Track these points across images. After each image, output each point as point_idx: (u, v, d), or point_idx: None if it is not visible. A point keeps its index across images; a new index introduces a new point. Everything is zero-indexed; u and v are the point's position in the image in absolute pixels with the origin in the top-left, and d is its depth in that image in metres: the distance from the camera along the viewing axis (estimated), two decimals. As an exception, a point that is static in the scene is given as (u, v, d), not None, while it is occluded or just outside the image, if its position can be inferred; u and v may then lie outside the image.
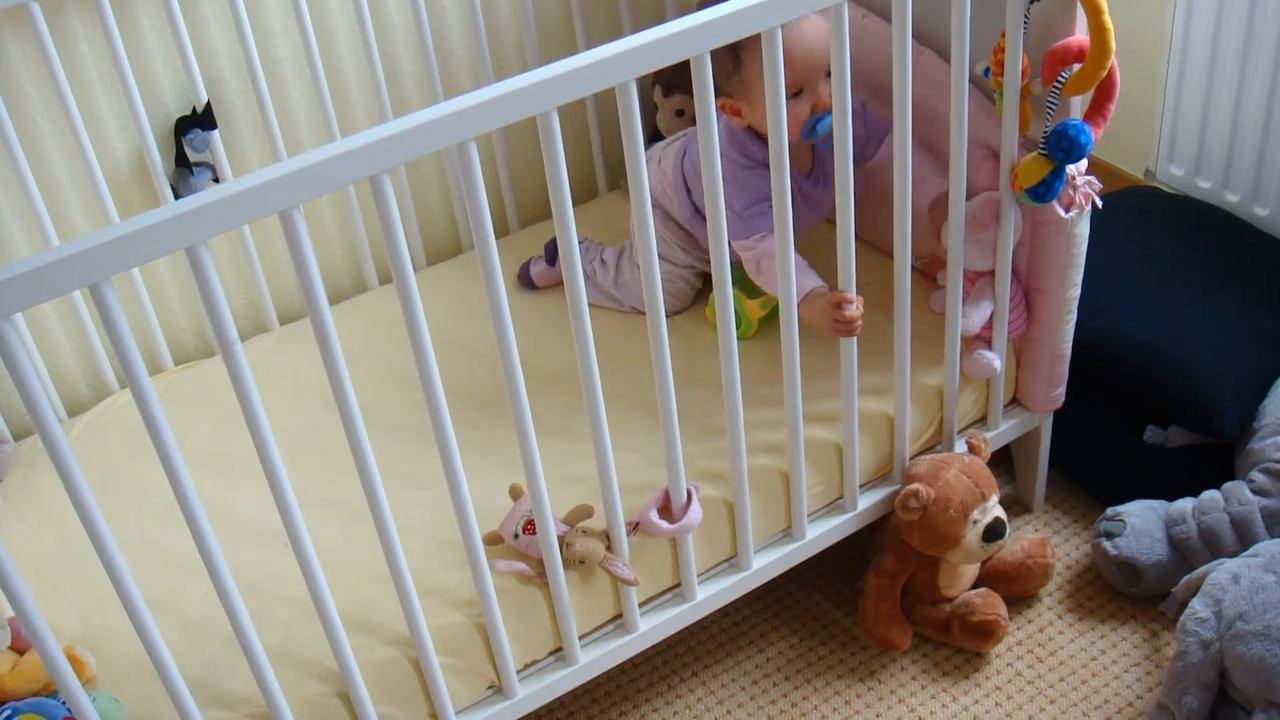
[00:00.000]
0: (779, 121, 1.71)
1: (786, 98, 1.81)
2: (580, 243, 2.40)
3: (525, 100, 1.51)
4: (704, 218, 1.94)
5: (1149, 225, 2.53)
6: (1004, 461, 2.44)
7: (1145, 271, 2.42)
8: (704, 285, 2.38)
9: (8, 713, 1.68)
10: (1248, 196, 2.59)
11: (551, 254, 2.47)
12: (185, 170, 2.25)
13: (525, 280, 2.49)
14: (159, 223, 1.37)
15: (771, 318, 2.15)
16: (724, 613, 2.30)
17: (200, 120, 2.22)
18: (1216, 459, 2.27)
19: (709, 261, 1.83)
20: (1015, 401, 2.30)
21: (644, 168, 1.65)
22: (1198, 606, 2.00)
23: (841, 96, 1.76)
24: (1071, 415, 2.35)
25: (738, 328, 2.15)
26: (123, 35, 2.16)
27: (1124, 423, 2.33)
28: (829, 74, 1.97)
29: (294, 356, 2.38)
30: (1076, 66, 1.89)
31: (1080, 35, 1.89)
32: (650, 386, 1.90)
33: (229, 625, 1.67)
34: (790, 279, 1.85)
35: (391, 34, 2.44)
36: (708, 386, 2.15)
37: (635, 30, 2.37)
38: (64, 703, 1.73)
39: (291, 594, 1.89)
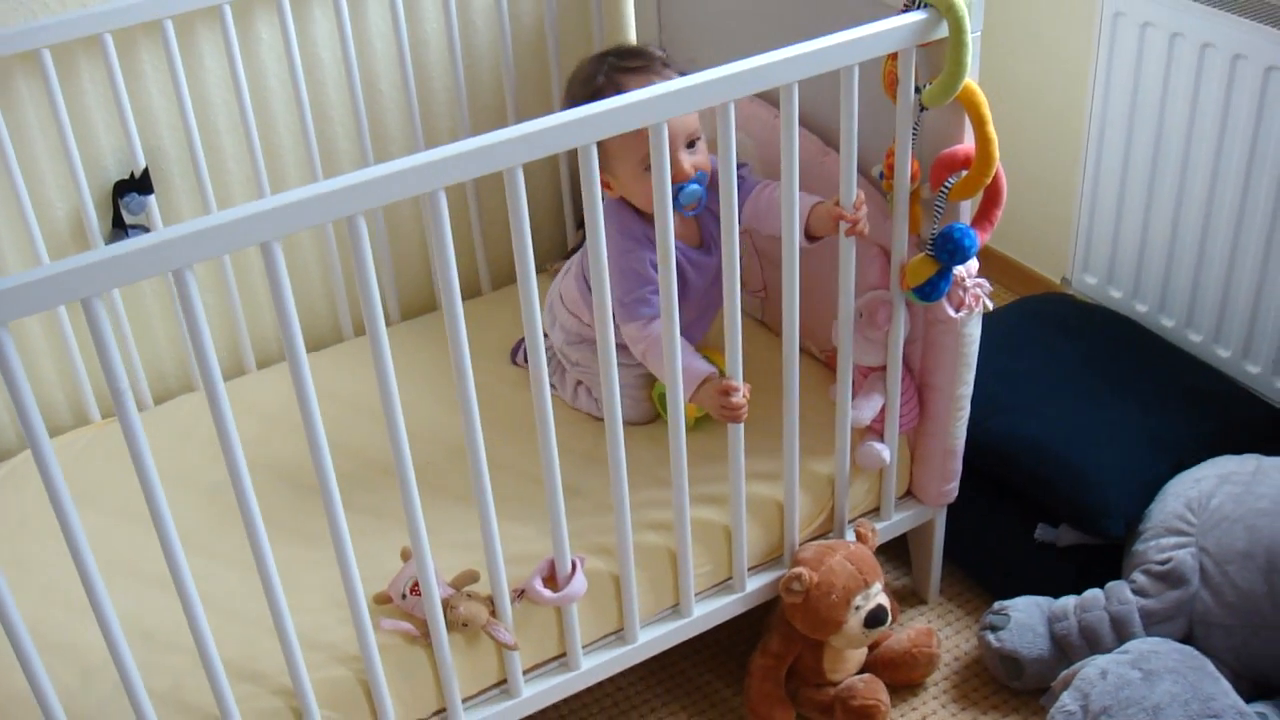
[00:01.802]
0: (664, 216, 1.81)
1: (644, 169, 1.91)
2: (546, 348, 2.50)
3: (413, 179, 1.61)
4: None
5: (1057, 330, 2.63)
6: (901, 552, 2.51)
7: (1047, 374, 2.51)
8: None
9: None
10: (1155, 307, 2.69)
11: (514, 352, 2.56)
12: (121, 232, 2.34)
13: (514, 356, 2.57)
14: (149, 246, 1.48)
15: (707, 416, 2.23)
16: (615, 685, 2.35)
17: (138, 185, 2.32)
18: (1106, 559, 2.34)
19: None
20: (910, 494, 2.37)
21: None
22: (1066, 700, 2.07)
23: (730, 201, 1.86)
24: (967, 510, 2.42)
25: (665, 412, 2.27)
26: (66, 100, 2.26)
27: (1017, 520, 2.41)
28: (690, 143, 2.09)
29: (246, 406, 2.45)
30: (964, 173, 2.00)
31: (968, 144, 1.99)
32: (563, 466, 2.00)
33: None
34: (677, 363, 1.93)
35: (327, 110, 2.55)
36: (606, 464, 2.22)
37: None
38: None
39: (186, 642, 1.95)
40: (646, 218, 2.12)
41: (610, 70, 2.15)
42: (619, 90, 2.04)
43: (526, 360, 2.49)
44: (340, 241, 2.62)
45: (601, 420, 2.36)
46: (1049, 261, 3.01)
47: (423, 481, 1.87)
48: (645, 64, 2.16)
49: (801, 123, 2.23)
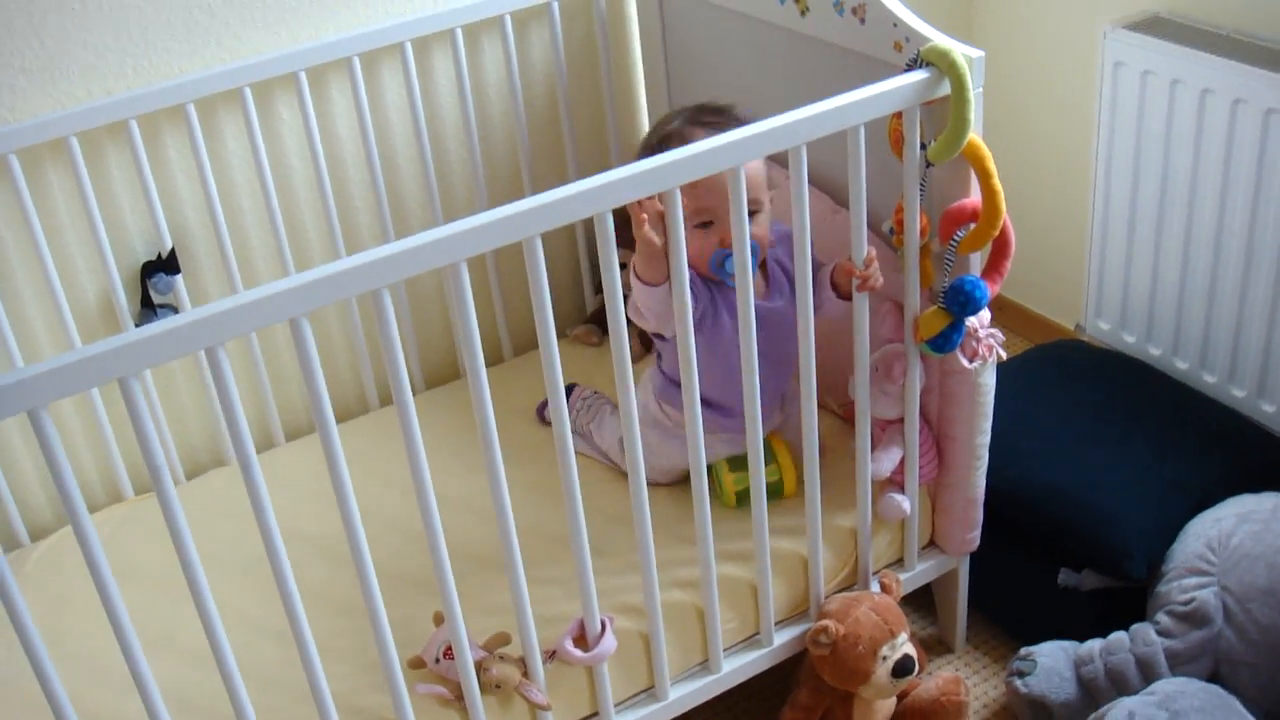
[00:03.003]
0: (681, 281, 1.85)
1: (695, 226, 1.97)
2: (586, 396, 2.54)
3: (435, 252, 1.67)
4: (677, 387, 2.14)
5: (1071, 377, 2.66)
6: (927, 602, 2.53)
7: (1063, 421, 2.54)
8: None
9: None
10: (1169, 350, 2.72)
11: (540, 409, 2.60)
12: (150, 312, 2.40)
13: (540, 415, 2.61)
14: (181, 326, 1.54)
15: (746, 494, 2.24)
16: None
17: (164, 265, 2.38)
18: (1130, 602, 2.36)
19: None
20: (932, 544, 2.40)
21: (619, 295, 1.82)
22: (1095, 743, 2.09)
23: (741, 247, 1.91)
24: (991, 558, 2.44)
25: (717, 498, 2.31)
26: (94, 184, 2.33)
27: (1040, 566, 2.43)
28: (751, 212, 2.07)
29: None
30: (972, 226, 2.04)
31: (975, 197, 2.03)
32: (591, 526, 2.03)
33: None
34: (697, 426, 1.97)
35: (347, 185, 2.62)
36: (630, 525, 2.25)
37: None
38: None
39: (225, 711, 1.98)
40: (696, 271, 2.14)
41: (684, 121, 2.19)
42: (684, 141, 2.08)
43: (546, 416, 2.58)
44: (364, 314, 2.68)
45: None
46: (1062, 309, 3.04)
47: (453, 547, 1.90)
48: (719, 120, 2.17)
49: (811, 182, 2.29)
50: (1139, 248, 2.71)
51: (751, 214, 2.10)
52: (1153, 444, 2.47)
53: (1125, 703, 2.10)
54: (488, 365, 2.82)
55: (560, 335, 2.90)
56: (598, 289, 2.89)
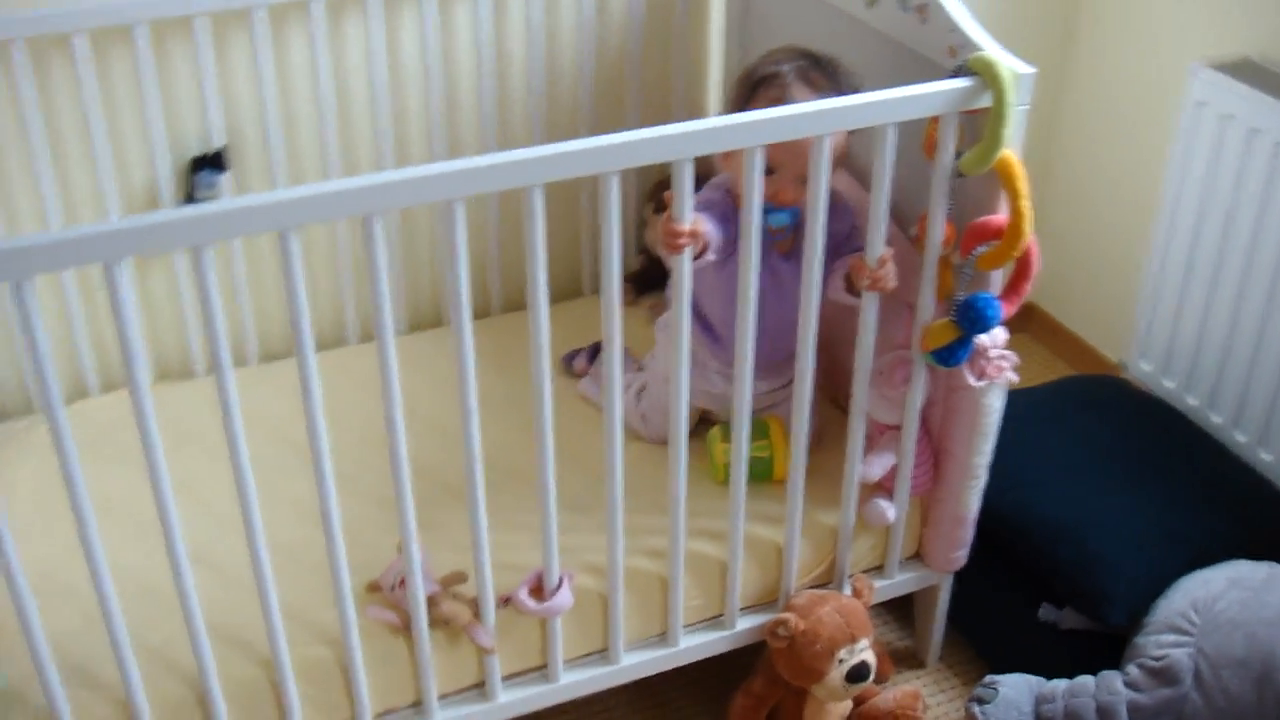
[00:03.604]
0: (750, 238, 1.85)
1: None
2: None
3: (509, 173, 1.70)
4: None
5: (1099, 413, 2.61)
6: (908, 613, 2.51)
7: (1080, 455, 2.49)
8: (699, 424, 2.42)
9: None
10: (1206, 402, 2.66)
11: (592, 354, 2.61)
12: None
13: (567, 365, 2.62)
14: (170, 221, 1.58)
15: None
16: (602, 704, 2.39)
17: (212, 162, 2.43)
18: (1109, 648, 2.31)
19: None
20: (918, 556, 2.37)
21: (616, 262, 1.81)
22: (1032, 782, 2.06)
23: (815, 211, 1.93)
24: (976, 579, 2.42)
25: (713, 467, 2.31)
26: (157, 74, 2.39)
27: (1024, 597, 2.39)
28: (804, 179, 2.03)
29: (262, 394, 2.53)
30: (995, 243, 2.00)
31: (1003, 215, 1.99)
32: (573, 479, 2.08)
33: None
34: (683, 362, 1.96)
35: (405, 113, 2.64)
36: (626, 490, 2.26)
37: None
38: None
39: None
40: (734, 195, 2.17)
41: (794, 74, 2.14)
42: (781, 90, 2.11)
43: (575, 367, 2.61)
44: (405, 239, 2.71)
45: (640, 440, 2.43)
46: (1110, 341, 2.99)
47: (443, 482, 1.93)
48: (823, 72, 2.14)
49: (860, 178, 2.27)
50: (1192, 294, 2.64)
51: (804, 180, 2.06)
52: (1164, 493, 2.41)
53: (1074, 749, 2.07)
54: (518, 309, 2.88)
55: (594, 291, 2.93)
56: (640, 248, 2.88)
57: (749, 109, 2.12)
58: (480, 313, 2.81)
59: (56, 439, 1.70)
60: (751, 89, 2.16)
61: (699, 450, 2.35)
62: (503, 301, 2.89)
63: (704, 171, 2.01)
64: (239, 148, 2.52)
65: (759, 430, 2.26)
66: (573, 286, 2.93)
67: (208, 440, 2.36)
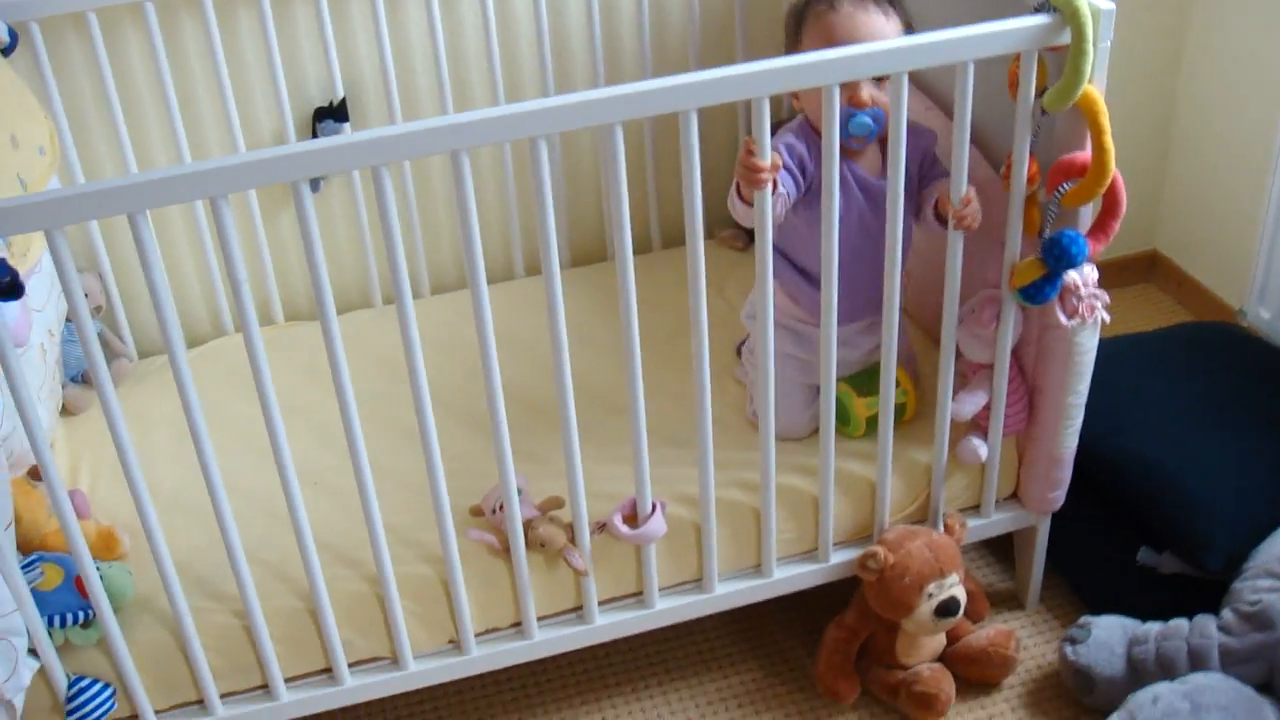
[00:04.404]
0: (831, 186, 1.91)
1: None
2: None
3: (591, 111, 1.77)
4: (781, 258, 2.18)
5: (1212, 359, 2.58)
6: (1010, 556, 2.53)
7: (1189, 401, 2.47)
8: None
9: (35, 559, 2.01)
10: (1322, 353, 2.61)
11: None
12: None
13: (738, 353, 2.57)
14: (278, 157, 1.70)
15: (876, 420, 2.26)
16: (700, 630, 2.47)
17: (335, 112, 2.57)
18: (1209, 593, 2.29)
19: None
20: (1015, 497, 2.39)
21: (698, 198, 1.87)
22: (1114, 719, 2.07)
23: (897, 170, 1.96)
24: (1077, 523, 2.42)
25: (845, 425, 2.33)
26: (279, 30, 2.54)
27: (1124, 541, 2.39)
28: (877, 79, 2.08)
29: (384, 331, 2.67)
30: (1080, 180, 2.01)
31: (1087, 152, 2.00)
32: (678, 415, 2.17)
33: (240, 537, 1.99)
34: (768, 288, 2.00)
35: (516, 58, 2.74)
36: (722, 425, 2.30)
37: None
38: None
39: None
40: (815, 130, 2.16)
41: None
42: (832, 5, 2.13)
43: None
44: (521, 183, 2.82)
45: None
46: (1229, 287, 2.95)
47: (547, 416, 2.01)
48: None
49: (942, 107, 2.28)
50: (1311, 241, 2.60)
51: (879, 80, 2.11)
52: (1271, 441, 2.38)
53: (1155, 687, 2.09)
54: (635, 254, 2.93)
55: (709, 235, 2.98)
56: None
57: (800, 39, 2.16)
58: (639, 248, 2.90)
59: (174, 369, 1.83)
60: (800, 13, 2.17)
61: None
62: (662, 238, 2.98)
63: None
64: (358, 99, 2.66)
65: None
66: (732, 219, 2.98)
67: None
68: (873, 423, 2.29)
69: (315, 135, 2.59)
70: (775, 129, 2.10)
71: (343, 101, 2.58)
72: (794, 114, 2.27)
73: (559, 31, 2.75)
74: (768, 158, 1.89)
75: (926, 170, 2.22)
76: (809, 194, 2.15)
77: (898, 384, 2.28)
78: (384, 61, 2.58)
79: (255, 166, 1.69)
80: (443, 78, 2.63)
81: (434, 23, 2.59)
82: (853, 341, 2.29)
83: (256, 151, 1.72)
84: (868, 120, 2.12)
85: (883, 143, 2.14)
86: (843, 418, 2.31)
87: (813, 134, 2.18)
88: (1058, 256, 2.03)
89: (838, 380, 2.29)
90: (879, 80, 2.11)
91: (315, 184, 2.66)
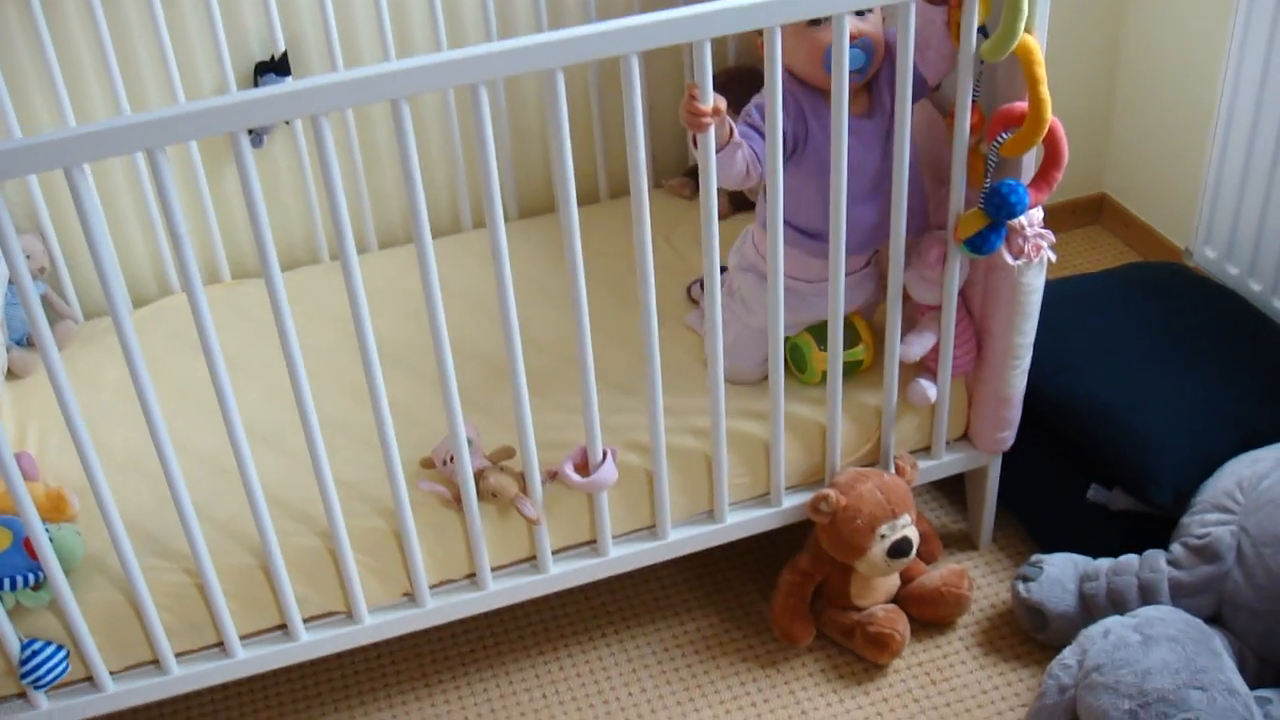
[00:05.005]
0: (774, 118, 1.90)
1: (807, 23, 1.96)
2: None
3: (530, 56, 1.74)
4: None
5: (1159, 298, 2.60)
6: (962, 497, 2.55)
7: (1137, 340, 2.50)
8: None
9: (-19, 519, 1.99)
10: (1269, 288, 2.63)
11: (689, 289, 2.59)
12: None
13: (689, 294, 2.58)
14: (215, 107, 1.67)
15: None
16: (655, 577, 2.49)
17: (276, 66, 2.54)
18: (1158, 529, 2.32)
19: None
20: (966, 438, 2.41)
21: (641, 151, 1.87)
22: (1066, 653, 2.11)
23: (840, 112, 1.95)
24: (1027, 462, 2.45)
25: (803, 373, 2.32)
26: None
27: (1075, 479, 2.41)
28: (859, 11, 2.03)
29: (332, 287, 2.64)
30: (1019, 129, 2.00)
31: (1026, 102, 1.99)
32: (629, 363, 2.16)
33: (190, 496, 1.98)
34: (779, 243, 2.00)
35: (460, 3, 2.71)
36: (674, 371, 2.31)
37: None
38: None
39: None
40: (797, 79, 2.12)
41: None
42: None
43: (693, 293, 2.57)
44: (465, 134, 2.79)
45: (696, 334, 2.45)
46: (1175, 227, 2.97)
47: (496, 367, 2.01)
48: None
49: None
50: (1253, 179, 2.61)
51: (862, 12, 2.06)
52: (1218, 377, 2.41)
53: (1106, 621, 2.11)
54: (583, 204, 2.94)
55: (656, 184, 2.98)
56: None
57: None
58: (587, 199, 2.90)
59: (117, 326, 1.83)
60: None
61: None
62: (609, 188, 2.97)
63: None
64: (300, 52, 2.63)
65: (851, 333, 2.27)
66: (679, 167, 3.01)
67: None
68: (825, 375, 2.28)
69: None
70: (718, 75, 2.09)
71: (284, 55, 2.55)
72: (739, 62, 2.26)
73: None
74: (709, 102, 1.88)
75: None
76: (795, 152, 2.12)
77: (860, 339, 2.30)
78: (325, 13, 2.55)
79: (191, 118, 1.66)
80: (385, 29, 2.60)
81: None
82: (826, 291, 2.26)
83: (193, 102, 1.70)
84: (857, 52, 2.04)
85: (868, 85, 2.14)
86: (800, 365, 2.32)
87: (795, 85, 2.11)
88: (998, 206, 2.03)
89: (802, 329, 2.33)
90: (861, 12, 2.05)
91: (258, 139, 2.64)
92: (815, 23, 2.06)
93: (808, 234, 2.20)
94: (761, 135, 2.05)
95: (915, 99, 2.07)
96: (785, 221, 2.18)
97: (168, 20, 2.50)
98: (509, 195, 2.88)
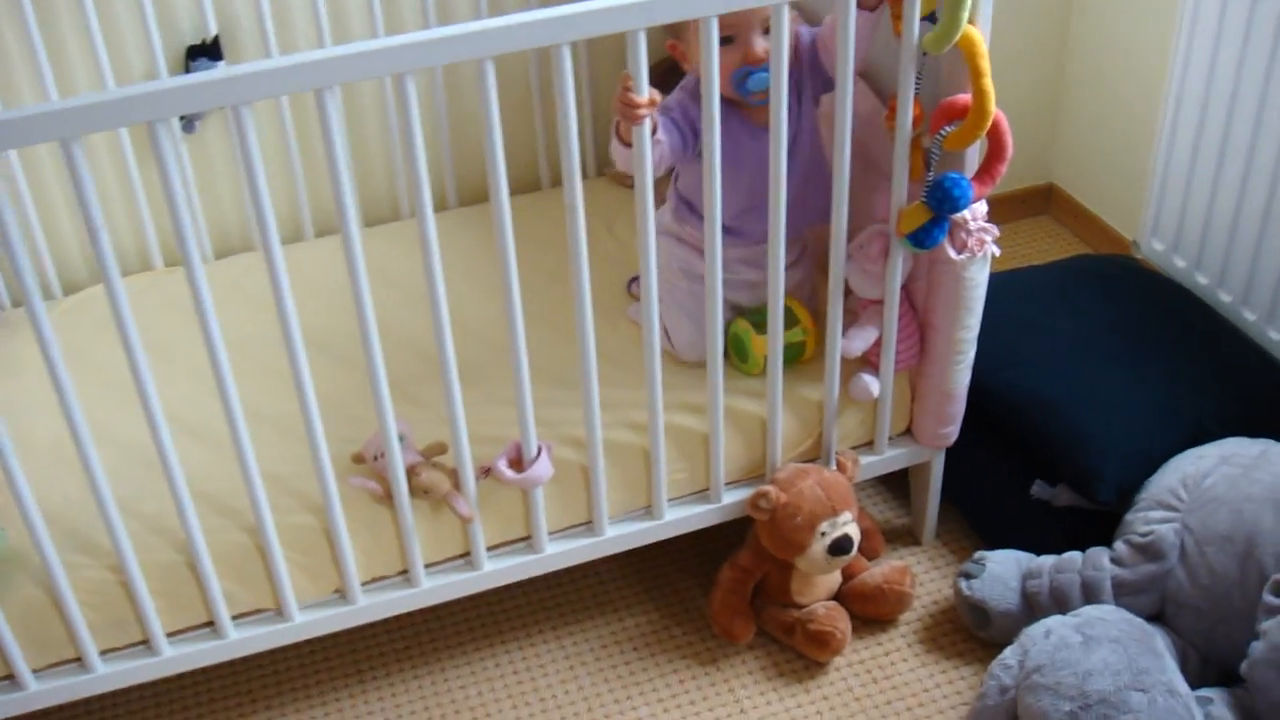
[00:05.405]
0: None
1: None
2: None
3: (461, 46, 1.70)
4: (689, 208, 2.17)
5: (1105, 291, 2.58)
6: (906, 492, 2.52)
7: (1082, 334, 2.48)
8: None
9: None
10: (1215, 280, 2.62)
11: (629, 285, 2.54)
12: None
13: (629, 289, 2.54)
14: (211, 80, 1.63)
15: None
16: (594, 573, 2.45)
17: (208, 50, 2.47)
18: (1103, 525, 2.30)
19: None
20: (909, 432, 2.38)
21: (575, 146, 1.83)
22: (1007, 653, 2.08)
23: (778, 95, 1.91)
24: (971, 457, 2.43)
25: (744, 363, 2.29)
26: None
27: (1019, 474, 2.39)
28: (766, 30, 2.02)
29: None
30: (961, 123, 1.97)
31: (969, 94, 1.96)
32: (567, 355, 2.11)
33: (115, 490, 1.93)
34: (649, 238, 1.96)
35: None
36: (613, 363, 2.28)
37: None
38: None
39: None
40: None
41: None
42: None
43: (633, 289, 2.52)
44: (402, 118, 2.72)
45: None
46: (1124, 219, 2.95)
47: (432, 357, 1.98)
48: None
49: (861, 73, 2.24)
50: (1200, 171, 2.59)
51: (765, 31, 2.04)
52: (1164, 371, 2.39)
53: (1048, 621, 2.08)
54: (523, 192, 2.89)
55: (597, 172, 2.93)
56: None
57: None
58: (528, 186, 2.86)
59: (32, 316, 1.78)
60: None
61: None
62: (550, 176, 2.91)
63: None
64: (233, 35, 2.57)
65: (789, 317, 2.24)
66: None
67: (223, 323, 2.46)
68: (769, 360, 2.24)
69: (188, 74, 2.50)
70: (654, 66, 2.04)
71: (215, 39, 2.48)
72: (667, 60, 2.22)
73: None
74: (645, 93, 1.84)
75: (815, 77, 2.16)
76: (699, 154, 2.06)
77: (799, 322, 2.27)
78: (259, -4, 2.50)
79: (108, 107, 1.60)
80: (319, 13, 2.54)
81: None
82: (759, 269, 2.23)
83: (109, 91, 1.64)
84: (766, 75, 2.00)
85: None
86: (741, 354, 2.28)
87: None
88: (941, 200, 2.00)
89: (739, 316, 2.30)
90: (768, 32, 2.02)
91: (189, 125, 2.57)
92: (727, 41, 2.03)
93: (728, 228, 2.17)
94: (678, 130, 2.10)
95: (823, 92, 2.12)
96: (696, 214, 2.21)
97: (96, 2, 2.43)
98: (448, 183, 2.83)
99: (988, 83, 1.90)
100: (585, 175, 2.88)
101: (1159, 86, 2.74)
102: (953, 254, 2.08)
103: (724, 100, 2.07)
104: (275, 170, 2.69)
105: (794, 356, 2.27)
